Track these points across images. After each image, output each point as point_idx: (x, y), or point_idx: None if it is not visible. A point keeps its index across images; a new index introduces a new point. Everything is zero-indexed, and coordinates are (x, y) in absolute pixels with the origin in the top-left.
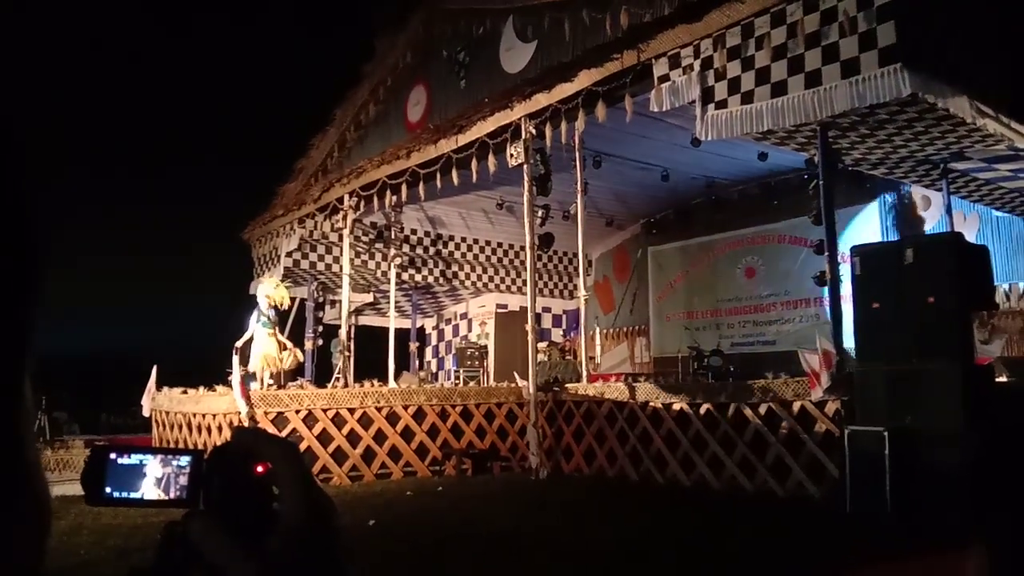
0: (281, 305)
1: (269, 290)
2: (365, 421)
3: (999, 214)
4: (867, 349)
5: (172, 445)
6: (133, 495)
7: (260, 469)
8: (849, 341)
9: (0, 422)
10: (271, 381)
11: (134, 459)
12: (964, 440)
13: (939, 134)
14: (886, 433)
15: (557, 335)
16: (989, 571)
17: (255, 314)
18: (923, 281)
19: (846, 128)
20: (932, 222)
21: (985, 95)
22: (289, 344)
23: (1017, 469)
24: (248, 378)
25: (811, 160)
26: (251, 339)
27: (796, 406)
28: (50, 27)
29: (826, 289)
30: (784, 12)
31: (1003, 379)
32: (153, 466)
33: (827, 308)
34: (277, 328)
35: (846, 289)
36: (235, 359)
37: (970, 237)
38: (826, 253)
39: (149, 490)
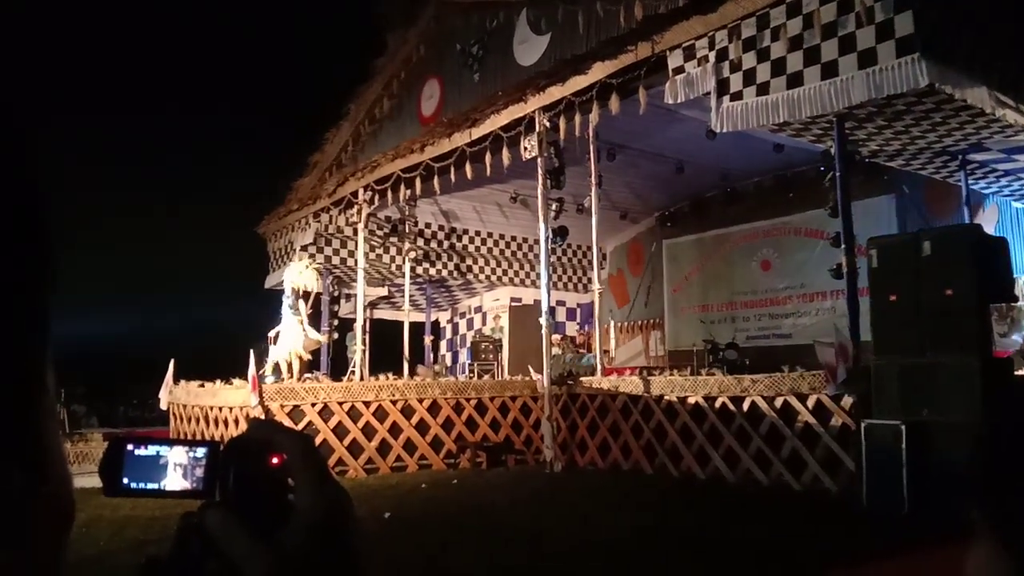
0: (306, 289)
1: (293, 276)
2: (380, 414)
3: (1018, 205)
4: (884, 342)
5: (189, 437)
6: (150, 486)
7: (275, 461)
8: (866, 334)
9: (25, 413)
10: (287, 373)
11: (151, 450)
12: (981, 434)
13: (957, 125)
14: (903, 427)
15: (571, 328)
16: (1005, 568)
17: (284, 302)
18: (941, 273)
19: (863, 119)
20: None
21: (1005, 85)
22: (306, 323)
23: None
24: (266, 372)
25: (827, 152)
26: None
27: (812, 399)
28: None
29: (843, 282)
30: (800, 2)
31: (1023, 372)
32: (170, 457)
33: (844, 301)
34: (302, 311)
35: (863, 282)
36: (254, 353)
37: (989, 229)
38: (843, 245)
39: (166, 481)
